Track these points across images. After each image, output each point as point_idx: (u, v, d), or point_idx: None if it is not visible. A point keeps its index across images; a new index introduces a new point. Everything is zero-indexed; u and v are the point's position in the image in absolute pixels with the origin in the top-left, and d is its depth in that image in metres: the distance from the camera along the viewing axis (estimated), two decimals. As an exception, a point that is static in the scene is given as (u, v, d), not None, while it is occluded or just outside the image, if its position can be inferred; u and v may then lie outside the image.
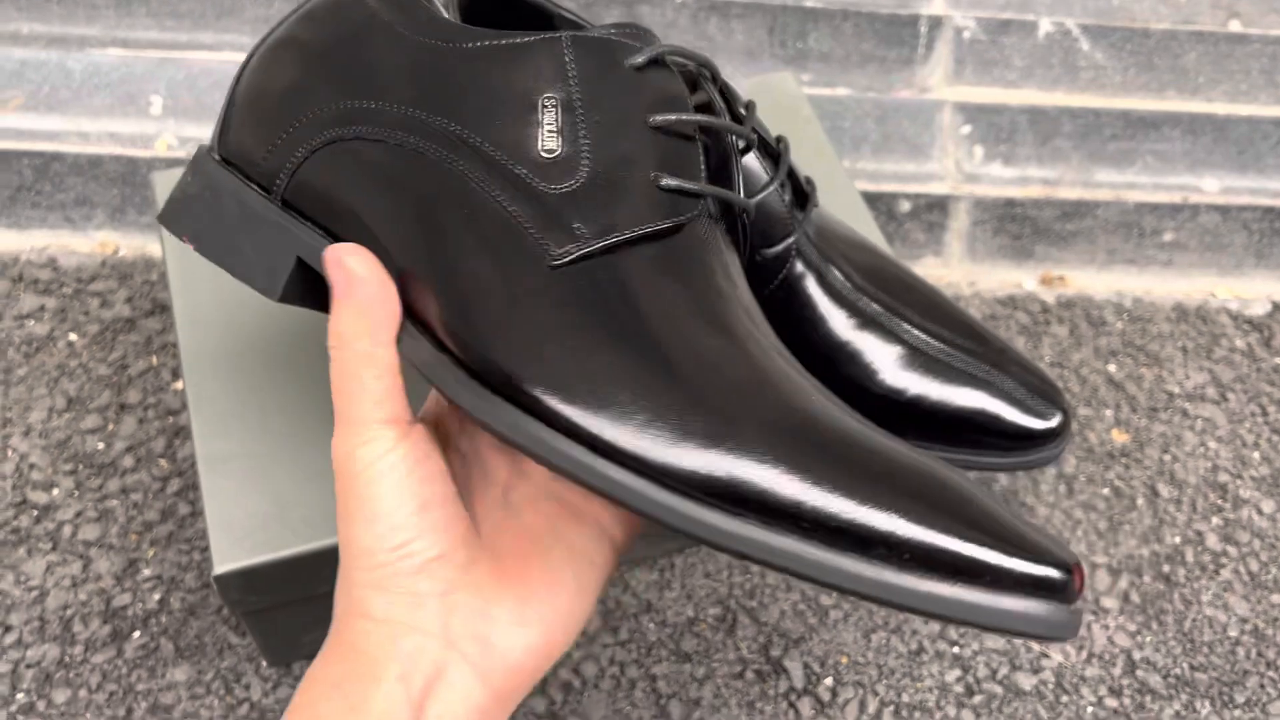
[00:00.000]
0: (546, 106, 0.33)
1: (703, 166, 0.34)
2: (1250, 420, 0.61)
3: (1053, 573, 0.27)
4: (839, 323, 0.42)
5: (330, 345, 0.32)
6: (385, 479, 0.31)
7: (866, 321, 0.42)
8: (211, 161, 0.36)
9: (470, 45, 0.33)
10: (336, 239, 0.34)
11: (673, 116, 0.33)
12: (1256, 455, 0.60)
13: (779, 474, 0.28)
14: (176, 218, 0.37)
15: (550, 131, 0.32)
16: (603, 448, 0.29)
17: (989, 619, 0.27)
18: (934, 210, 0.68)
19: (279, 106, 0.35)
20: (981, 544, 0.27)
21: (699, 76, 0.37)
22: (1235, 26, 0.73)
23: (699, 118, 0.34)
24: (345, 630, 0.31)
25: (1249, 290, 0.67)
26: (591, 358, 0.30)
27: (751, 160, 0.39)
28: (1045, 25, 0.73)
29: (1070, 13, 0.73)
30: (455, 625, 0.31)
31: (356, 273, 0.32)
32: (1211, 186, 0.70)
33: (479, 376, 0.31)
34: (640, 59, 0.34)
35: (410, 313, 0.33)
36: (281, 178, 0.35)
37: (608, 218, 0.32)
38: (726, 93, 0.40)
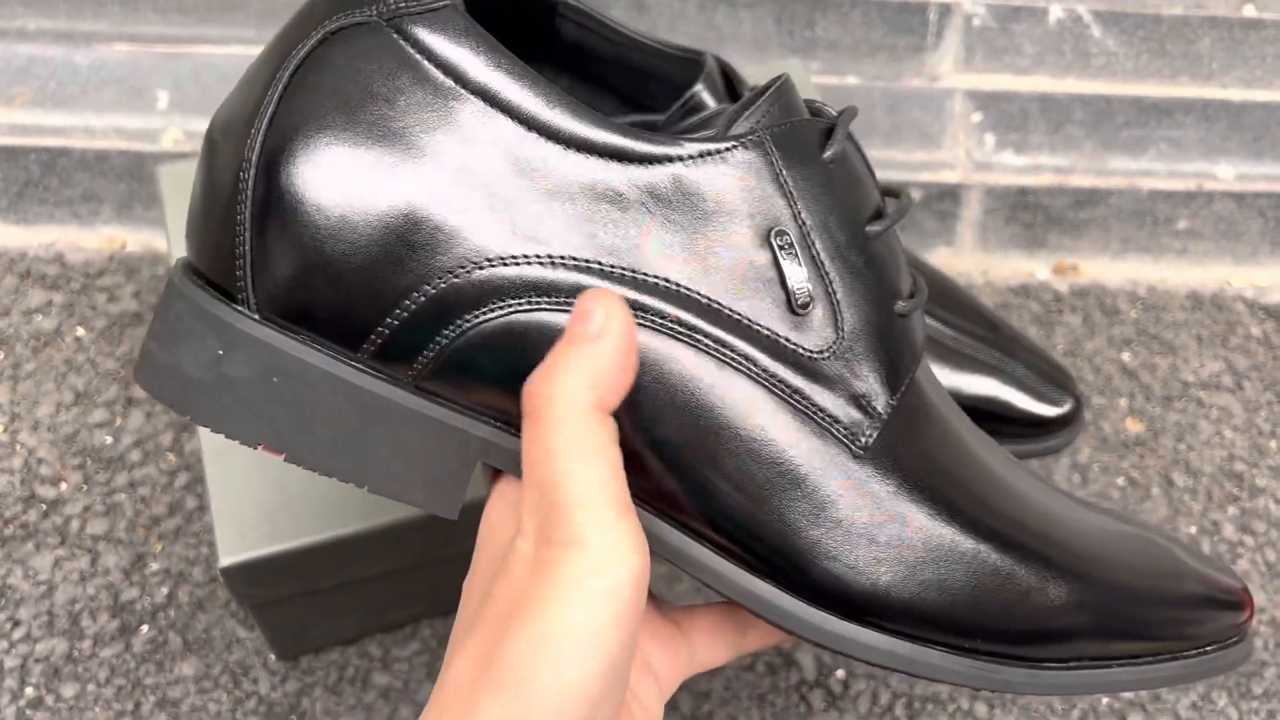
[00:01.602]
0: (780, 245, 0.27)
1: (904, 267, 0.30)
2: (1267, 409, 0.61)
3: (1240, 617, 0.30)
4: (848, 310, 0.41)
5: (537, 406, 0.24)
6: (631, 606, 0.23)
7: (876, 308, 0.42)
8: (255, 323, 0.26)
9: (647, 164, 0.26)
10: (516, 426, 0.27)
11: (886, 222, 0.28)
12: (1273, 444, 0.59)
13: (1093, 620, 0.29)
14: (223, 412, 0.26)
15: (797, 281, 0.27)
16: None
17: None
18: (945, 199, 0.68)
19: (396, 254, 0.25)
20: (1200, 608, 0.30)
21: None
22: (1250, 11, 0.72)
23: (901, 210, 0.29)
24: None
25: (1265, 278, 0.67)
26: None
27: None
28: (1056, 12, 0.72)
29: (1082, -1, 0.72)
30: None
31: (614, 319, 0.24)
32: (1226, 174, 0.69)
33: (792, 589, 0.27)
34: (837, 147, 0.28)
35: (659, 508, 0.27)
36: (425, 356, 0.26)
37: (885, 374, 0.28)
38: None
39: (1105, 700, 0.51)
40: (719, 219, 0.27)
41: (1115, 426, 0.59)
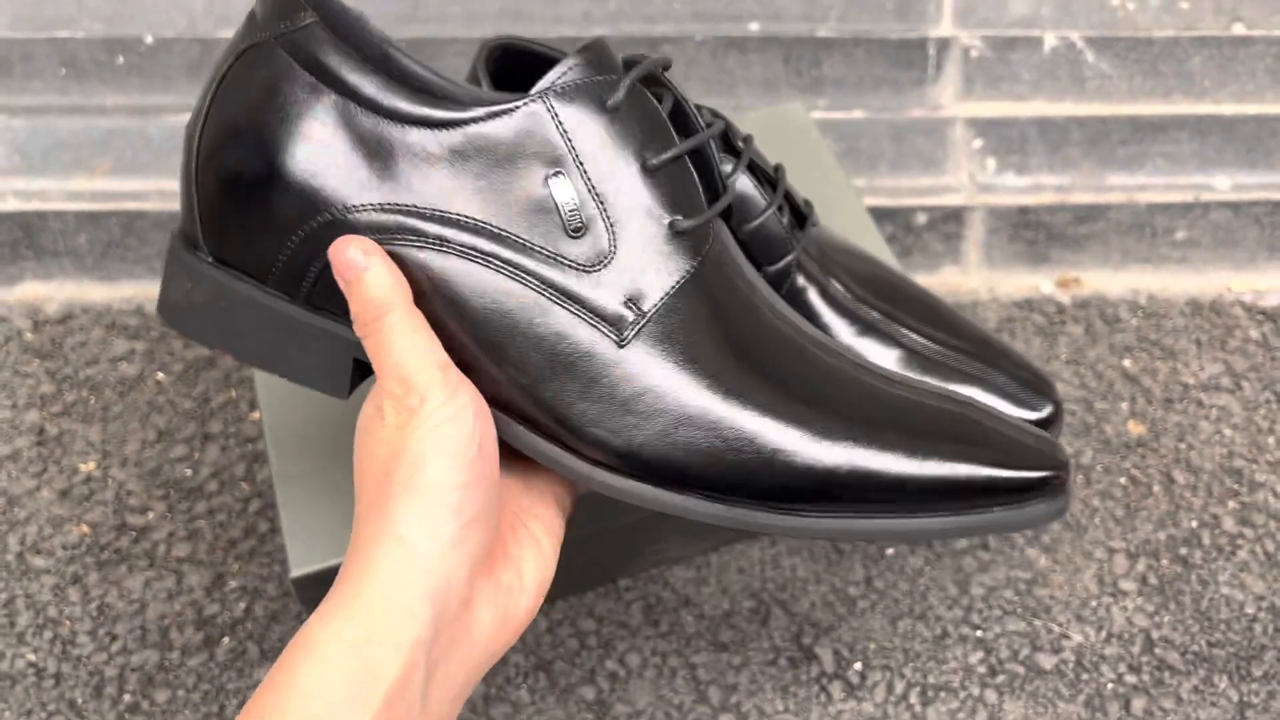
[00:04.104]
0: (555, 181, 0.34)
1: (700, 190, 0.37)
2: (1265, 407, 0.64)
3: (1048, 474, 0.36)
4: (841, 330, 0.46)
5: (365, 322, 0.34)
6: (479, 421, 0.33)
7: (866, 328, 0.46)
8: (206, 265, 0.36)
9: (449, 128, 0.34)
10: None
11: (668, 155, 0.35)
12: (1272, 440, 0.62)
13: (898, 457, 0.35)
14: (195, 328, 0.37)
15: (571, 211, 0.34)
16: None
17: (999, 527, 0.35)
18: (950, 221, 0.72)
19: (280, 209, 0.35)
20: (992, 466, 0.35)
21: (660, 77, 0.38)
22: (1239, 30, 0.76)
23: (689, 144, 0.36)
24: (369, 554, 0.32)
25: (1263, 283, 0.70)
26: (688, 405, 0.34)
27: (750, 188, 0.44)
28: (1051, 40, 0.76)
29: (1075, 26, 0.76)
30: (478, 582, 0.33)
31: (369, 257, 0.34)
32: (1222, 184, 0.73)
33: (586, 457, 0.35)
34: (620, 94, 0.35)
35: (498, 403, 0.35)
36: (306, 281, 0.35)
37: (648, 283, 0.35)
38: (725, 126, 0.44)
39: (1110, 685, 0.54)
40: (507, 164, 0.34)
41: (1118, 429, 0.63)
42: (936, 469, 0.34)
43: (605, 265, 0.34)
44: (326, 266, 0.35)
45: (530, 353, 0.34)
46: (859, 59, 0.75)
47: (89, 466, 0.62)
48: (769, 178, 0.45)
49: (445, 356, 0.34)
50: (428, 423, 0.32)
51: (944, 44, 0.76)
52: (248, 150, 0.35)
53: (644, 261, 0.35)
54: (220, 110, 0.35)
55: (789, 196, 0.45)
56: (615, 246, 0.34)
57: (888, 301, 0.47)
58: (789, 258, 0.44)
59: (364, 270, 0.34)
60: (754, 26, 0.76)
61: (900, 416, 0.35)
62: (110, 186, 0.73)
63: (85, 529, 0.59)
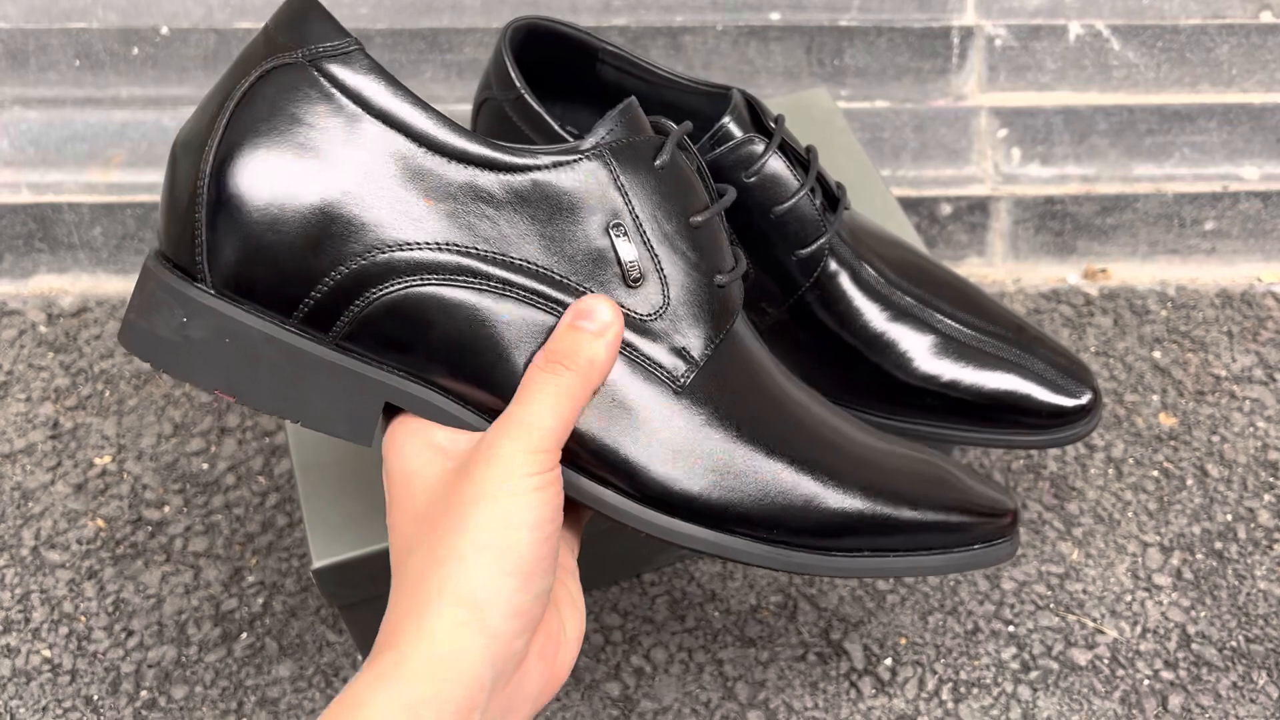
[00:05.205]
0: (617, 234, 0.34)
1: (732, 243, 0.38)
2: (1299, 399, 0.62)
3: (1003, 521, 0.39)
4: (873, 315, 0.45)
5: (558, 360, 0.33)
6: (558, 500, 0.32)
7: (900, 313, 0.45)
8: (208, 297, 0.33)
9: (513, 172, 0.33)
10: (417, 374, 0.34)
11: (707, 214, 0.36)
12: (1306, 433, 0.61)
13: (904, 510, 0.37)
14: (191, 368, 0.33)
15: (630, 261, 0.34)
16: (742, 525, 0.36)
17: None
18: (975, 212, 0.71)
19: (321, 243, 0.32)
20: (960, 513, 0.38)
21: (684, 143, 0.38)
22: (1267, 18, 0.74)
23: (721, 204, 0.37)
24: (430, 611, 0.30)
25: (1294, 273, 0.68)
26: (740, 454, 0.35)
27: (783, 169, 0.43)
28: (1075, 28, 0.75)
29: (1100, 14, 0.75)
30: (533, 641, 0.33)
31: (616, 321, 0.34)
32: (1251, 174, 0.72)
33: (642, 501, 0.35)
34: (667, 155, 0.35)
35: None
36: (341, 322, 0.33)
37: (696, 335, 0.35)
38: (756, 106, 0.43)
39: (1146, 681, 0.53)
40: (569, 213, 0.34)
41: (1149, 422, 0.62)
42: (933, 515, 0.38)
43: (659, 316, 0.35)
44: (370, 307, 0.33)
45: (590, 397, 0.34)
46: (881, 48, 0.74)
47: (104, 460, 0.61)
48: (800, 159, 0.44)
49: (564, 442, 0.33)
50: (516, 485, 0.31)
51: (967, 33, 0.75)
52: (282, 178, 0.32)
53: (692, 314, 0.35)
54: (242, 132, 0.32)
55: (821, 179, 0.44)
56: (668, 298, 0.35)
57: (921, 286, 0.46)
58: (822, 240, 0.43)
59: (602, 333, 0.33)
60: (775, 15, 0.75)
61: (901, 466, 0.38)
62: (125, 179, 0.72)
63: (101, 523, 0.59)
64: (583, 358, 0.33)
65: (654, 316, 0.35)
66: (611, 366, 0.34)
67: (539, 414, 0.32)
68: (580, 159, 0.34)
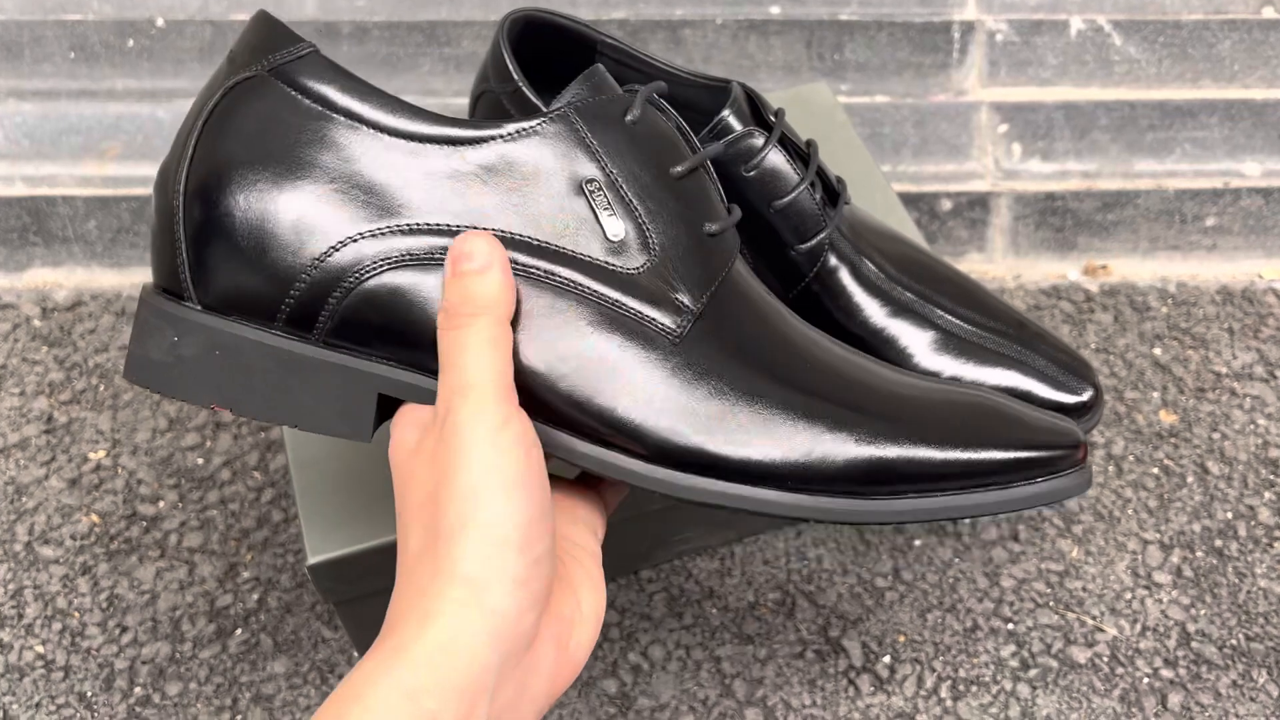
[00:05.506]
0: (592, 192, 0.34)
1: (722, 198, 0.37)
2: (1300, 396, 0.62)
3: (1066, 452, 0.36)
4: (874, 311, 0.44)
5: (455, 314, 0.32)
6: (533, 452, 0.31)
7: (900, 309, 0.45)
8: (196, 314, 0.33)
9: (477, 145, 0.33)
10: (408, 361, 0.34)
11: (689, 164, 0.35)
12: (1307, 430, 0.61)
13: (929, 450, 0.35)
14: (186, 386, 0.34)
15: (609, 218, 0.34)
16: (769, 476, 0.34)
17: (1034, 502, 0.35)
18: (975, 207, 0.70)
19: (292, 243, 0.33)
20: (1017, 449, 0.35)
21: (658, 103, 0.37)
22: (1269, 13, 0.74)
23: (707, 153, 0.37)
24: (427, 594, 0.30)
25: (1296, 270, 0.68)
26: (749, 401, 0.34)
27: (783, 163, 0.42)
28: (1077, 23, 0.75)
29: (1101, 9, 0.75)
30: (545, 622, 0.31)
31: (493, 256, 0.32)
32: (1253, 170, 0.71)
33: (646, 458, 0.34)
34: (637, 110, 0.35)
35: (546, 416, 0.34)
36: (323, 317, 0.33)
37: (691, 285, 0.34)
38: (756, 100, 0.43)
39: (1145, 679, 0.53)
40: (539, 178, 0.34)
41: (1149, 419, 0.61)
42: (979, 453, 0.35)
43: (645, 269, 0.34)
44: (347, 299, 0.33)
45: (582, 359, 0.34)
46: (882, 43, 0.74)
47: (99, 455, 0.60)
48: (800, 153, 0.43)
49: (512, 384, 0.32)
50: (481, 451, 0.30)
51: (968, 27, 0.74)
52: (250, 185, 0.33)
53: (683, 265, 0.35)
54: (210, 149, 0.33)
55: (821, 173, 0.44)
56: (653, 251, 0.34)
57: (921, 282, 0.45)
58: (822, 235, 0.43)
59: (485, 268, 0.32)
60: (775, 9, 0.75)
61: (945, 399, 0.36)
62: (120, 171, 0.72)
63: (95, 518, 0.58)
64: (480, 299, 0.32)
65: (641, 270, 0.34)
66: (514, 291, 0.33)
67: (471, 371, 0.31)
68: (544, 123, 0.34)
